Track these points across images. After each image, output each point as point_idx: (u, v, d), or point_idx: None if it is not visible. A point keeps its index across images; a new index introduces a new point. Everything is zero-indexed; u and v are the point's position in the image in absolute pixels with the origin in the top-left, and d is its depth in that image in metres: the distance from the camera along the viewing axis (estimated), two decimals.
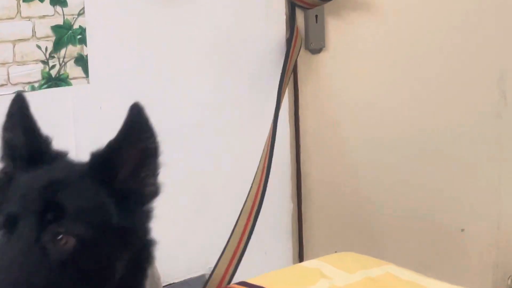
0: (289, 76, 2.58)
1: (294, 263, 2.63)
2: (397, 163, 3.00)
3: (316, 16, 2.70)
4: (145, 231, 1.51)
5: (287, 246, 2.71)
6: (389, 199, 2.99)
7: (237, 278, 2.06)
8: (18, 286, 1.32)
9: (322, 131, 2.81)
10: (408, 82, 2.97)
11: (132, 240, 1.48)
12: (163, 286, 2.51)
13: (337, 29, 2.78)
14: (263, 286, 1.64)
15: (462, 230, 3.17)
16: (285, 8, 2.61)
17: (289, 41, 2.59)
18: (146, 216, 1.49)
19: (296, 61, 2.68)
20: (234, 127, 2.41)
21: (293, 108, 2.72)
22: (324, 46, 2.74)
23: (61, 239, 1.35)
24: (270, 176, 2.57)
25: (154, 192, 1.48)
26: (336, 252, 2.63)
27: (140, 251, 1.50)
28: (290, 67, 2.56)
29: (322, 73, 2.77)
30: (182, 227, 2.47)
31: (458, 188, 3.15)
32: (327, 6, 2.70)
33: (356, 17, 2.81)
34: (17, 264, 1.33)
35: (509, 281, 3.32)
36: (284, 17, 2.60)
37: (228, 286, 1.84)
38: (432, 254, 3.04)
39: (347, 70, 2.82)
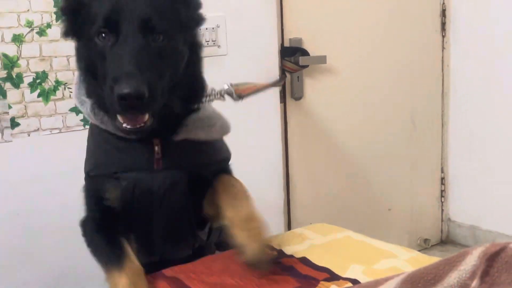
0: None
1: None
2: (351, 168, 2.98)
3: (298, 76, 2.71)
4: (195, 33, 1.43)
5: (281, 221, 2.70)
6: (346, 190, 2.97)
7: None
8: (137, 66, 1.20)
9: (303, 146, 2.79)
10: (355, 115, 2.95)
11: (191, 34, 1.40)
12: None
13: (311, 85, 2.77)
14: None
15: (389, 209, 3.15)
16: (278, 72, 2.61)
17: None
18: (197, 20, 1.41)
19: (285, 102, 2.70)
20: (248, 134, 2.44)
21: (284, 132, 2.70)
22: (303, 95, 2.74)
23: (158, 36, 1.26)
24: (269, 175, 2.61)
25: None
26: (311, 223, 2.66)
27: (193, 46, 1.39)
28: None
29: (302, 111, 2.76)
30: None
31: (387, 182, 3.13)
32: (304, 71, 2.71)
33: (322, 77, 2.80)
34: (135, 55, 1.22)
35: (418, 241, 3.29)
36: (278, 77, 2.60)
37: None
38: (370, 225, 2.96)
39: (317, 108, 2.81)
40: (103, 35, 1.27)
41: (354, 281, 1.34)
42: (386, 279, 1.02)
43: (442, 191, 3.38)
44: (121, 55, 1.23)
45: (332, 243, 1.61)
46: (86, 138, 1.55)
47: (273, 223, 2.55)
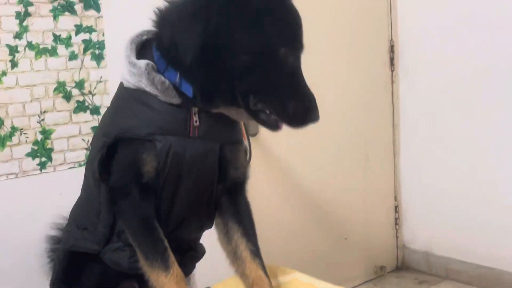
0: None
1: None
2: (307, 200, 3.02)
3: None
4: None
5: None
6: (303, 222, 3.00)
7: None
8: None
9: (259, 181, 2.67)
10: (309, 149, 3.00)
11: None
12: None
13: None
14: None
15: (345, 238, 3.20)
16: None
17: None
18: None
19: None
20: None
21: None
22: (258, 132, 2.76)
23: None
24: None
25: None
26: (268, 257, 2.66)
27: None
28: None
29: (257, 147, 2.77)
30: None
31: (343, 212, 3.17)
32: None
33: None
34: None
35: (374, 268, 3.33)
36: None
37: None
38: (328, 254, 3.06)
39: (272, 144, 2.84)
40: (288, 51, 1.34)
41: None
42: None
43: (396, 218, 3.45)
44: (302, 80, 1.39)
45: (280, 287, 1.63)
46: (109, 106, 1.56)
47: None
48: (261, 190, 2.82)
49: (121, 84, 1.48)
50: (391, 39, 3.31)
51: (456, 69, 3.08)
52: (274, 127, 1.41)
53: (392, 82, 3.35)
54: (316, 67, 2.95)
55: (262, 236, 2.72)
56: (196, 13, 1.33)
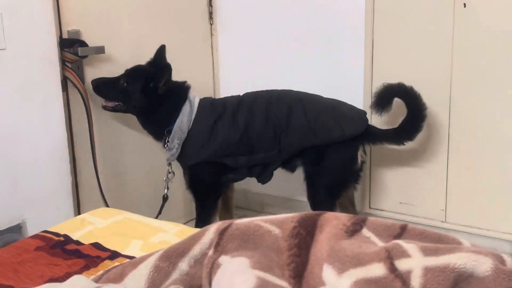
0: None
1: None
2: (131, 149, 3.16)
3: (78, 66, 2.83)
4: None
5: (70, 205, 2.75)
6: (130, 166, 3.15)
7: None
8: None
9: (87, 131, 2.86)
10: None
11: None
12: None
13: (92, 73, 2.88)
14: (59, 232, 1.76)
15: None
16: (59, 62, 2.69)
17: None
18: None
19: (67, 90, 2.81)
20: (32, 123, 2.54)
21: (68, 119, 2.79)
22: (84, 84, 2.84)
23: None
24: (55, 161, 2.66)
25: None
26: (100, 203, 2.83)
27: None
28: None
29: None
30: None
31: None
32: (84, 60, 2.84)
33: (102, 66, 2.94)
34: None
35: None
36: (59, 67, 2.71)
37: (35, 234, 1.78)
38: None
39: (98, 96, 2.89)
40: None
41: (132, 257, 1.58)
42: (149, 255, 1.32)
43: None
44: None
45: (113, 225, 1.82)
46: None
47: (63, 207, 2.71)
48: (89, 139, 2.95)
49: None
50: None
51: (270, 22, 3.40)
52: None
53: (212, 35, 3.59)
54: (137, 21, 3.12)
55: (89, 184, 2.90)
56: None
